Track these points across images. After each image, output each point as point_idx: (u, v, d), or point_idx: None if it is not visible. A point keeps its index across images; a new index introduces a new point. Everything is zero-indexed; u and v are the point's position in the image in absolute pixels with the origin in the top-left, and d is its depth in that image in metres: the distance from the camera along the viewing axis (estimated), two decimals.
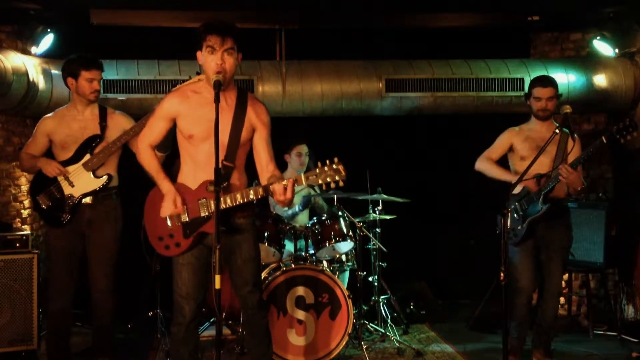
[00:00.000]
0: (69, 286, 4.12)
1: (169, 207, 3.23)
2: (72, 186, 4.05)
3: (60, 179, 4.06)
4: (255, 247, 3.42)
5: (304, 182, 3.04)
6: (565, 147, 4.20)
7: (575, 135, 4.34)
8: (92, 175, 4.07)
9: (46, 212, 4.09)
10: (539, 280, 4.44)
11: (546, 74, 5.53)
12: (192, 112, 3.21)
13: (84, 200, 4.07)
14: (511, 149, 4.44)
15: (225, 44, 3.13)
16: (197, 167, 3.24)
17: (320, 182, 3.00)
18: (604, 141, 3.92)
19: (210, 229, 3.19)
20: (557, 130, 3.84)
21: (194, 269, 3.30)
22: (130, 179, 4.40)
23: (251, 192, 3.14)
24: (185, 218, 3.25)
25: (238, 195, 3.16)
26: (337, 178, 2.99)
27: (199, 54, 3.20)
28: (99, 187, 4.08)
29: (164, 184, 3.27)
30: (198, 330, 3.53)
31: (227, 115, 3.22)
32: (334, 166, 2.99)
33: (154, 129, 3.33)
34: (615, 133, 3.89)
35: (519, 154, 4.38)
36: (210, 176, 3.05)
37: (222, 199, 3.09)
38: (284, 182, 3.05)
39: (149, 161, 3.35)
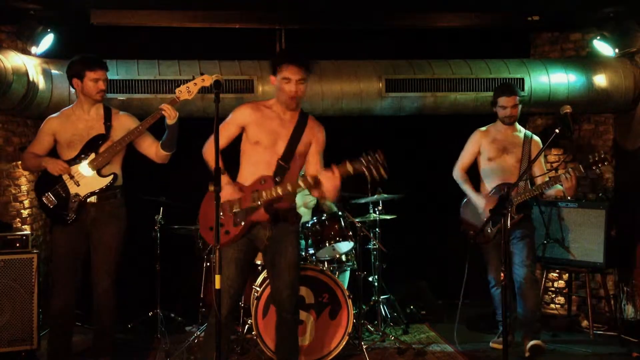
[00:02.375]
0: (72, 285, 4.13)
1: (229, 191, 3.51)
2: (78, 185, 4.08)
3: (66, 178, 4.08)
4: (299, 253, 3.74)
5: (350, 170, 3.33)
6: (529, 150, 4.66)
7: (536, 139, 4.73)
8: (97, 175, 4.09)
9: (52, 211, 4.11)
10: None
11: (546, 74, 5.55)
12: (261, 122, 3.58)
13: (88, 200, 4.08)
14: (478, 150, 4.81)
15: (300, 75, 3.53)
16: (255, 168, 3.58)
17: (364, 170, 3.29)
18: (582, 170, 4.27)
19: (258, 217, 3.53)
20: (557, 130, 3.78)
21: (239, 265, 3.56)
22: (134, 181, 4.42)
23: (300, 181, 3.46)
24: (237, 208, 3.53)
25: (288, 185, 3.47)
26: (380, 169, 3.27)
27: (272, 78, 3.60)
28: (105, 186, 4.10)
29: (224, 178, 3.53)
30: (233, 324, 3.81)
31: (288, 127, 3.62)
32: (378, 157, 3.29)
33: (224, 134, 3.57)
34: (591, 164, 4.25)
35: (486, 155, 4.77)
36: (264, 171, 3.52)
37: (273, 189, 3.48)
38: (329, 171, 3.37)
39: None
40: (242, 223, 3.52)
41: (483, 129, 4.85)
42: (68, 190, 4.08)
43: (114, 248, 4.16)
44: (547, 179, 4.53)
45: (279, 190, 3.47)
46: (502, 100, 4.69)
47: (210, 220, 3.51)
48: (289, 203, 3.66)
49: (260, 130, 3.57)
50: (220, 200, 3.39)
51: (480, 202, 4.72)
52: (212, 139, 3.59)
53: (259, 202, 3.50)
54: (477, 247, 4.79)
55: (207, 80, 3.96)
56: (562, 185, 4.36)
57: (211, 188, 3.10)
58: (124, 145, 4.12)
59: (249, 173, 3.60)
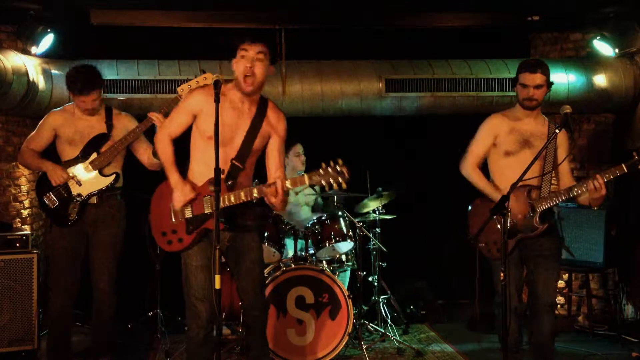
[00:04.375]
0: (72, 286, 4.11)
1: (179, 197, 3.26)
2: (80, 185, 4.06)
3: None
4: (262, 249, 3.51)
5: (307, 182, 3.09)
6: (555, 148, 3.76)
7: (573, 135, 4.01)
8: (99, 174, 4.08)
9: (53, 211, 4.09)
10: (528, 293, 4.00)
11: None
12: (213, 113, 3.11)
13: (90, 200, 4.08)
14: (494, 141, 3.84)
15: (257, 48, 3.21)
16: (207, 167, 3.16)
17: (323, 183, 3.03)
18: (625, 170, 3.47)
19: (213, 226, 3.15)
20: (557, 130, 3.49)
21: (205, 269, 3.30)
22: (133, 181, 4.41)
23: (255, 190, 3.18)
24: (189, 214, 3.29)
25: (242, 193, 3.20)
26: (340, 180, 3.02)
27: (233, 61, 3.27)
28: (107, 186, 4.09)
29: (174, 176, 3.30)
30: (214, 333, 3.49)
31: (246, 120, 3.31)
32: (338, 168, 3.03)
33: (175, 121, 3.36)
34: (637, 163, 3.44)
35: (503, 148, 3.79)
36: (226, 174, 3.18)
37: (226, 196, 3.17)
38: (274, 182, 3.12)
39: (164, 150, 3.37)
40: (196, 231, 3.29)
41: (499, 114, 3.88)
42: (70, 191, 4.07)
43: (114, 249, 4.15)
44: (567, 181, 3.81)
45: (232, 199, 3.19)
46: (524, 77, 3.70)
47: (164, 224, 3.33)
48: (251, 213, 3.41)
49: (211, 122, 3.12)
50: (179, 205, 3.23)
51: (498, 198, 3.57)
52: (164, 125, 3.42)
53: (212, 210, 3.21)
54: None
55: (209, 78, 3.89)
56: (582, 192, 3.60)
57: (211, 188, 3.08)
58: (126, 145, 4.11)
59: (200, 171, 3.29)
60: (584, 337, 5.24)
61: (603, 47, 5.62)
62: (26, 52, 5.02)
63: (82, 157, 4.08)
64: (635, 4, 5.05)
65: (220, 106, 3.11)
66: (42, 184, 4.14)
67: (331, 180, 3.02)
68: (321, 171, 3.05)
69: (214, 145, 2.98)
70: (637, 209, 5.38)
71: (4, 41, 5.11)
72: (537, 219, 3.67)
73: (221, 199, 3.08)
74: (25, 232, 4.60)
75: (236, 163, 3.28)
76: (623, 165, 3.47)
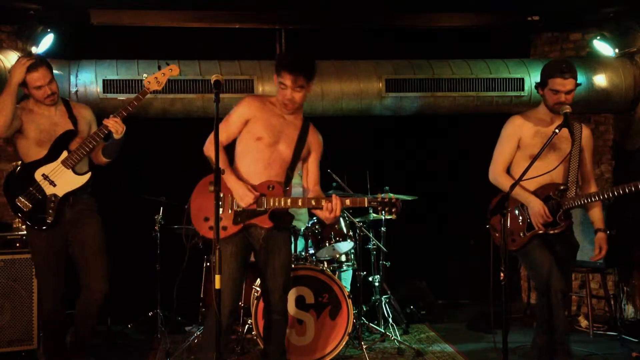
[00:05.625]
0: (59, 288, 3.97)
1: (247, 195, 3.41)
2: (54, 185, 3.87)
3: (39, 178, 3.86)
4: (291, 252, 3.72)
5: (366, 204, 3.44)
6: (581, 150, 3.72)
7: (586, 126, 3.91)
8: (73, 173, 3.90)
9: (27, 214, 3.86)
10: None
11: None
12: (266, 118, 3.50)
13: (66, 200, 3.91)
14: (518, 144, 3.77)
15: (297, 82, 3.42)
16: (255, 167, 3.49)
17: (379, 210, 3.45)
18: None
19: (261, 223, 3.46)
20: (557, 130, 3.47)
21: (239, 260, 3.49)
22: (133, 179, 4.37)
23: (313, 201, 3.45)
24: (239, 207, 3.46)
25: (300, 201, 3.48)
26: (393, 211, 3.44)
27: (275, 77, 3.50)
28: (83, 184, 3.93)
29: (233, 178, 3.46)
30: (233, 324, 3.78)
31: (293, 130, 3.57)
32: (392, 201, 3.43)
33: (230, 127, 3.53)
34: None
35: (528, 152, 3.71)
36: (272, 177, 3.48)
37: (282, 200, 3.44)
38: (332, 199, 3.40)
39: (222, 156, 3.41)
40: (243, 223, 3.48)
41: (520, 116, 3.80)
42: (43, 192, 3.86)
43: (102, 248, 4.00)
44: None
45: (289, 203, 3.45)
46: (556, 83, 3.62)
47: (206, 211, 3.45)
48: (288, 218, 3.67)
49: (264, 126, 3.49)
50: (226, 196, 3.41)
51: (537, 206, 3.66)
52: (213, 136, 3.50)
53: (264, 208, 3.45)
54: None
55: (175, 70, 3.94)
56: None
57: (211, 188, 3.08)
58: (96, 143, 3.90)
59: (248, 170, 3.51)
60: (584, 337, 5.24)
61: (603, 47, 5.62)
62: (26, 52, 5.02)
63: (51, 157, 3.89)
64: (635, 4, 5.05)
65: (270, 112, 3.52)
66: (10, 186, 3.91)
67: (385, 210, 3.42)
68: (379, 199, 3.42)
69: (214, 145, 3.04)
70: (637, 209, 5.38)
71: (4, 41, 5.11)
72: (561, 216, 3.69)
73: (277, 201, 3.42)
74: (25, 232, 4.59)
75: (289, 172, 3.55)
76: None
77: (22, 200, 3.85)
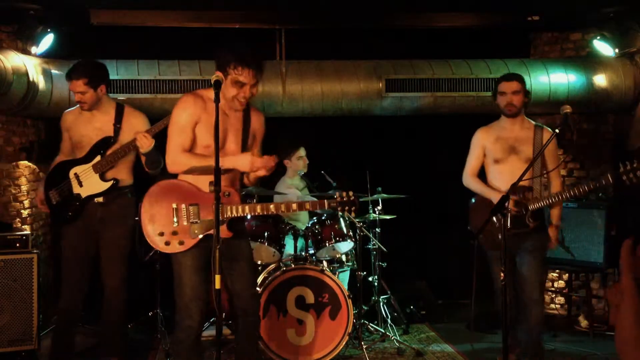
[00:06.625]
0: (81, 285, 4.13)
1: (251, 164, 3.22)
2: (81, 186, 4.10)
3: (71, 177, 4.11)
4: (252, 255, 3.63)
5: (326, 207, 3.35)
6: (542, 145, 3.94)
7: (548, 129, 4.13)
8: (99, 178, 4.09)
9: (55, 207, 4.16)
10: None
11: (546, 74, 5.55)
12: (210, 122, 3.19)
13: (95, 199, 4.09)
14: (483, 152, 4.23)
15: (252, 78, 3.22)
16: (207, 177, 3.16)
17: (339, 209, 3.35)
18: (610, 181, 3.69)
19: (221, 233, 3.11)
20: (557, 130, 3.61)
21: (199, 270, 3.32)
22: (133, 179, 4.39)
23: (272, 206, 3.30)
24: (195, 218, 3.29)
25: (258, 208, 3.29)
26: (353, 208, 3.33)
27: (218, 72, 3.20)
28: (104, 191, 4.10)
29: (224, 158, 3.17)
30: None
31: (238, 124, 3.37)
32: (351, 198, 3.32)
33: (184, 139, 3.28)
34: (622, 174, 3.61)
35: (492, 157, 4.18)
36: (227, 184, 3.25)
37: (239, 208, 3.26)
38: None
39: (188, 162, 3.27)
40: (200, 236, 3.29)
41: (484, 127, 4.31)
42: (71, 189, 4.11)
43: (122, 247, 4.16)
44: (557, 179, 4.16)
45: (247, 210, 3.26)
46: (502, 86, 4.16)
47: (163, 225, 3.28)
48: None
49: (209, 130, 3.19)
50: (180, 208, 3.24)
51: (495, 197, 3.98)
52: (171, 153, 3.27)
53: (222, 217, 3.20)
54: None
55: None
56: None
57: (211, 188, 3.08)
58: (127, 153, 4.08)
59: (198, 180, 3.29)
60: (584, 337, 5.24)
61: (603, 47, 5.62)
62: (26, 52, 5.02)
63: (87, 159, 4.11)
64: (635, 4, 5.05)
65: (209, 112, 3.21)
66: (49, 180, 4.20)
67: (346, 208, 3.31)
68: (337, 198, 3.32)
69: (214, 146, 2.97)
70: (637, 209, 5.38)
71: (4, 41, 5.10)
72: (530, 218, 3.98)
73: (234, 209, 3.24)
74: (25, 232, 4.60)
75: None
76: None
77: (54, 193, 4.15)
